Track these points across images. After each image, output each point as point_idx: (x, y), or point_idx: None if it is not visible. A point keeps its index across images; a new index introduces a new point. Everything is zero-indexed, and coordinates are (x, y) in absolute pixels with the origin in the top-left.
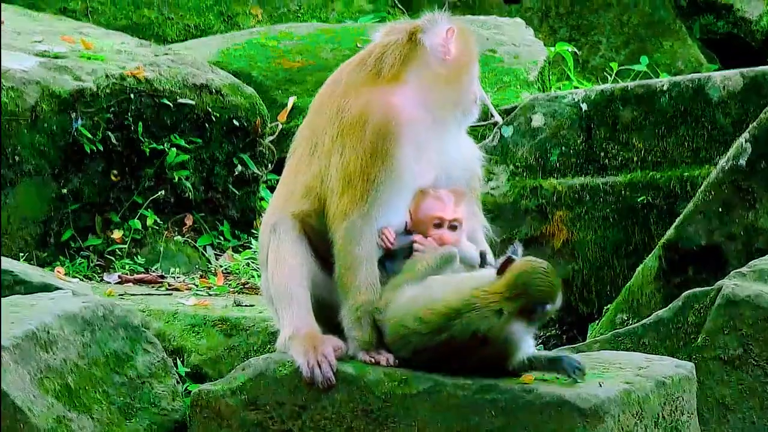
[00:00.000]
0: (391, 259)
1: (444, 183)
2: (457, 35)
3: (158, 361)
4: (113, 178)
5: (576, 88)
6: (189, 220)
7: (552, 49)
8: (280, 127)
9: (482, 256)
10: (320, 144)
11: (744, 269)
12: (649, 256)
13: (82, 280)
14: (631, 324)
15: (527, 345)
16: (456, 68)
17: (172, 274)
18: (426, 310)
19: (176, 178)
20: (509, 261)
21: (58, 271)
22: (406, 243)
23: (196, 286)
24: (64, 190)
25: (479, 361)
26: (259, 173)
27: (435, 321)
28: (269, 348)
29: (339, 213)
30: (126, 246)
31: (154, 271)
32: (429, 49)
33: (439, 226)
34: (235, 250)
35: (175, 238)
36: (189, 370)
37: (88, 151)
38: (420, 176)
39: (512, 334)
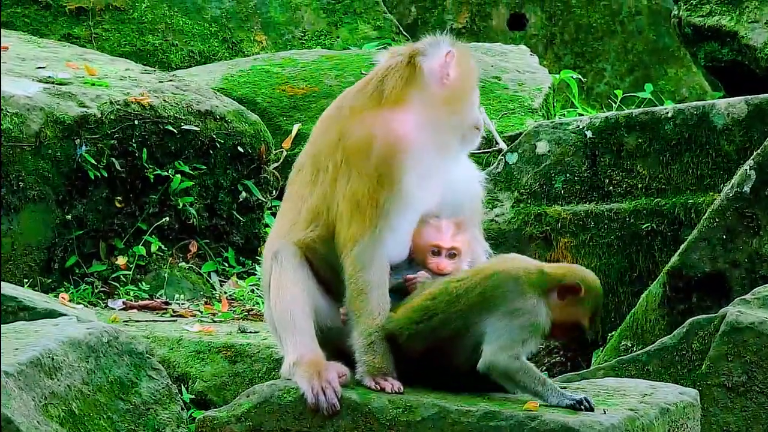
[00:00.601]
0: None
1: (447, 207)
2: (457, 59)
3: (163, 388)
4: (117, 204)
5: (580, 115)
6: (193, 247)
7: (556, 76)
8: (285, 153)
9: None
10: (323, 170)
11: (748, 296)
12: (654, 283)
13: (87, 307)
14: (635, 351)
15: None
16: (454, 91)
17: (176, 300)
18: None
19: (180, 205)
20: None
21: (62, 297)
22: (402, 279)
23: (201, 312)
24: (69, 217)
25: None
26: (264, 200)
27: (487, 266)
28: (274, 375)
29: (349, 239)
30: (130, 272)
31: (158, 298)
32: (427, 72)
33: (437, 254)
34: (240, 276)
35: (179, 265)
36: (194, 396)
37: (93, 178)
38: (425, 201)
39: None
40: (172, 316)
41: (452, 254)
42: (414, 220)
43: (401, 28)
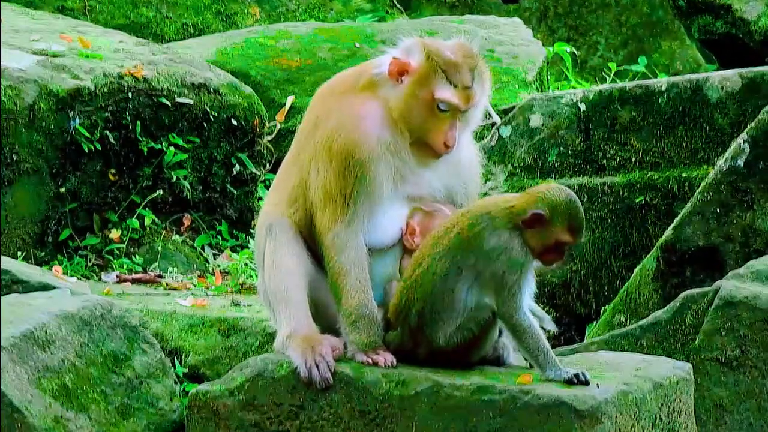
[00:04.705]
0: None
1: (440, 195)
2: (419, 67)
3: (156, 361)
4: (111, 177)
5: (574, 88)
6: (187, 220)
7: (550, 49)
8: (279, 126)
9: None
10: (302, 152)
11: (741, 270)
12: (647, 256)
13: (80, 279)
14: (628, 325)
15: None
16: (410, 89)
17: (170, 273)
18: None
19: (174, 178)
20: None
21: (56, 270)
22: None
23: (194, 285)
24: (62, 190)
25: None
26: (257, 173)
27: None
28: (267, 348)
29: (324, 225)
30: (124, 245)
31: (152, 271)
32: (384, 77)
33: None
34: (233, 249)
35: (173, 238)
36: (187, 370)
37: (86, 151)
38: (405, 189)
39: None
40: (165, 289)
41: None
42: (392, 210)
43: (395, 1)
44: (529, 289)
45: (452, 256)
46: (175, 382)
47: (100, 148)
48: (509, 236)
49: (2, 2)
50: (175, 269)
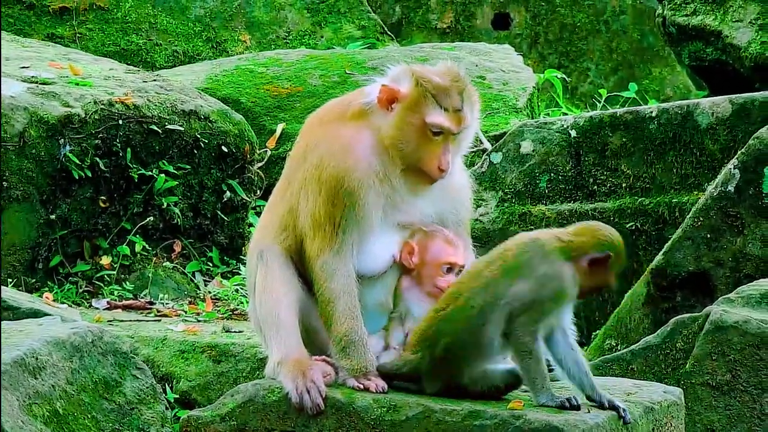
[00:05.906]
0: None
1: (432, 221)
2: (409, 95)
3: (147, 387)
4: (101, 204)
5: (565, 114)
6: (177, 246)
7: (541, 75)
8: (269, 153)
9: None
10: (292, 181)
11: (732, 295)
12: (638, 282)
13: (71, 306)
14: (619, 350)
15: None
16: (401, 116)
17: (160, 300)
18: None
19: (165, 204)
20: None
21: (46, 297)
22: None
23: (185, 312)
24: (53, 216)
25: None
26: (248, 199)
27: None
28: (258, 374)
29: (313, 253)
30: (114, 272)
31: (142, 298)
32: (373, 105)
33: (449, 271)
34: (224, 276)
35: (163, 264)
36: (178, 396)
37: (77, 177)
38: (396, 216)
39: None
40: (156, 315)
41: (460, 271)
42: (382, 236)
43: (385, 28)
44: (554, 319)
45: (493, 287)
46: (167, 408)
47: (90, 175)
48: (563, 267)
49: None
50: (166, 296)
